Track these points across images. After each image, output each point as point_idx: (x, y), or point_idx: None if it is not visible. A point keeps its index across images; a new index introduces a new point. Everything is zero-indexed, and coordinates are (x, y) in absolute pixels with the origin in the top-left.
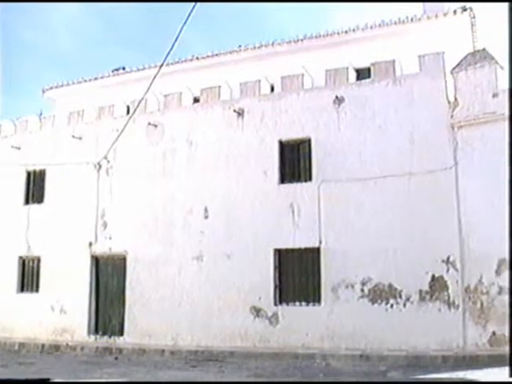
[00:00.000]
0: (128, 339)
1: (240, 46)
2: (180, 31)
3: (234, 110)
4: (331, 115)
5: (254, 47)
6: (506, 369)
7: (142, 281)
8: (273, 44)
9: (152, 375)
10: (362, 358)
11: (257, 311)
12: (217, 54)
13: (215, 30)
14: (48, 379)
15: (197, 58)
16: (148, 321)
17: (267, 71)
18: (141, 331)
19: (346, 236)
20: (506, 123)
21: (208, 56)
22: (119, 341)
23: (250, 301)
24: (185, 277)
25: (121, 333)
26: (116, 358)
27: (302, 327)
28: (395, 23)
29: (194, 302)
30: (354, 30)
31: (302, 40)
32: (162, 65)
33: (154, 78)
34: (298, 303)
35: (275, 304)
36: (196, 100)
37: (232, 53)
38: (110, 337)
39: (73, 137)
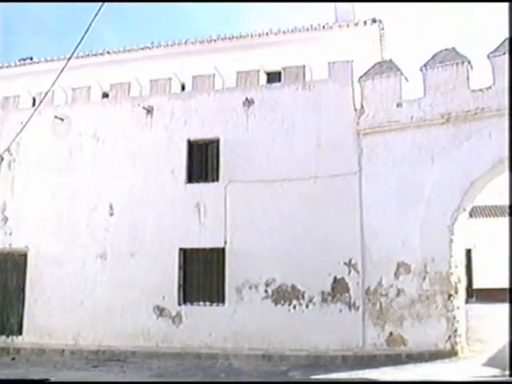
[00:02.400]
0: (27, 339)
1: (152, 42)
2: (90, 24)
3: (144, 108)
4: (241, 117)
5: (167, 45)
6: (402, 367)
7: (44, 278)
8: (185, 43)
9: (51, 376)
10: (264, 357)
11: (160, 311)
12: (128, 50)
13: (130, 26)
14: (47, 379)
15: (108, 53)
16: (48, 320)
17: (179, 70)
18: (40, 330)
19: (251, 237)
20: (409, 132)
21: (119, 51)
22: (17, 340)
23: (153, 300)
24: (88, 275)
25: (19, 332)
26: (13, 359)
27: (206, 327)
28: (307, 29)
29: (96, 301)
30: (267, 34)
31: (214, 40)
32: (70, 57)
33: (62, 70)
34: (202, 303)
35: (179, 304)
36: (105, 95)
37: (144, 49)
38: (7, 336)
39: None
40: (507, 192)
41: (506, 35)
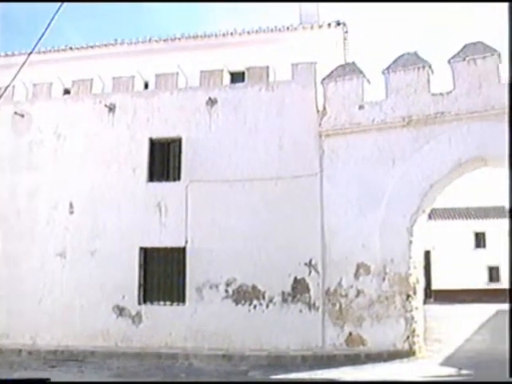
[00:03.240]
0: None
1: (116, 39)
2: (52, 20)
3: (106, 105)
4: (203, 116)
5: (130, 42)
6: (361, 367)
7: (1, 277)
8: (149, 40)
9: (6, 377)
10: (224, 357)
11: (120, 310)
12: (91, 46)
13: (94, 22)
14: (48, 379)
15: (70, 49)
16: (5, 319)
17: (142, 68)
18: None
19: (212, 237)
20: (371, 134)
21: (82, 47)
22: None
23: (113, 299)
24: (46, 273)
25: None
26: None
27: (166, 327)
28: (272, 30)
29: (55, 300)
30: (231, 34)
31: (178, 39)
32: (31, 52)
33: (23, 65)
34: (162, 303)
35: (139, 303)
36: (67, 91)
37: (107, 46)
38: None
39: None
40: (466, 195)
41: (468, 40)
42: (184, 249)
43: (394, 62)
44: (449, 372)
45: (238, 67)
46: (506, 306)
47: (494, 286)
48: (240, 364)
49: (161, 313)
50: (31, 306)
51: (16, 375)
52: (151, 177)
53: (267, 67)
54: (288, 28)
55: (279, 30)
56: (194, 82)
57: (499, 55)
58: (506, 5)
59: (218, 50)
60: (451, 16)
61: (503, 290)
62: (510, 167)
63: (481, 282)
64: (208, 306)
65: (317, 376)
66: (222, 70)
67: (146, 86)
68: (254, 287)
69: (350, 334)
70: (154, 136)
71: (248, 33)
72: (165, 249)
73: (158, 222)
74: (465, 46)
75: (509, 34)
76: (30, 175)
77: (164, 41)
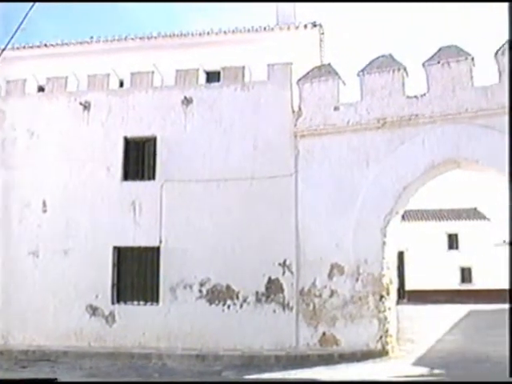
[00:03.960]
0: None
1: (91, 37)
2: (26, 16)
3: (80, 103)
4: (179, 115)
5: (106, 40)
6: (334, 367)
7: None
8: (125, 38)
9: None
10: (198, 357)
11: (93, 310)
12: (66, 44)
13: (69, 19)
14: (55, 379)
15: (45, 46)
16: None
17: (117, 66)
18: None
19: (186, 236)
20: (345, 136)
21: (57, 44)
22: None
23: (86, 299)
24: (19, 272)
25: None
26: None
27: (139, 327)
28: (248, 30)
29: (27, 299)
30: (207, 33)
31: (154, 37)
32: (4, 48)
33: None
34: (135, 302)
35: (112, 303)
36: (41, 89)
37: (82, 43)
38: None
39: None
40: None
41: (443, 42)
42: (158, 248)
43: (370, 64)
44: (421, 372)
45: (213, 67)
46: (477, 307)
47: (466, 286)
48: (214, 364)
49: (134, 313)
50: (2, 305)
51: None
52: (126, 176)
53: (243, 67)
54: (264, 28)
55: (256, 30)
56: (169, 80)
57: (472, 59)
58: (505, 5)
59: (193, 50)
60: (426, 18)
61: (475, 291)
62: (510, 167)
63: (453, 282)
64: (182, 305)
65: (290, 376)
66: (197, 70)
67: (122, 84)
68: (228, 287)
69: (324, 334)
70: (129, 135)
71: (224, 32)
72: (139, 248)
73: (133, 221)
74: (439, 50)
75: (509, 33)
76: (3, 173)
77: (140, 39)
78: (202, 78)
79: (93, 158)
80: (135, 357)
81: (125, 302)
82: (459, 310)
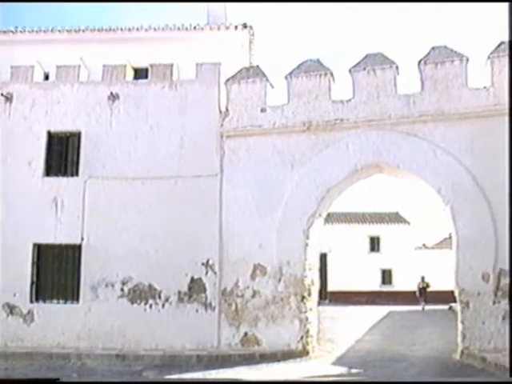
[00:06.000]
0: None
1: (16, 27)
2: None
3: (2, 94)
4: (104, 111)
5: (32, 31)
6: (256, 367)
7: None
8: (52, 30)
9: None
10: (118, 357)
11: (11, 308)
12: None
13: None
14: (57, 379)
15: None
16: None
17: (43, 58)
18: None
19: (109, 234)
20: (271, 137)
21: None
22: None
23: (3, 297)
24: None
25: None
26: None
27: (59, 326)
28: (178, 29)
29: None
30: (137, 29)
31: (83, 31)
32: None
33: None
34: (55, 301)
35: (31, 301)
36: None
37: (7, 33)
38: None
39: None
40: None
41: (369, 50)
42: (80, 246)
43: (297, 67)
44: (340, 371)
45: (142, 63)
46: (397, 308)
47: (386, 288)
48: (134, 364)
49: (54, 311)
50: None
51: None
52: (48, 171)
53: (171, 65)
54: (195, 27)
55: (186, 28)
56: (96, 76)
57: (397, 67)
58: (505, 5)
59: (122, 45)
60: (356, 23)
61: (395, 293)
62: (510, 167)
63: (374, 284)
64: (103, 304)
65: (211, 376)
66: (125, 66)
67: (47, 77)
68: (150, 286)
69: (246, 334)
70: (53, 129)
71: (154, 29)
72: (60, 245)
73: (54, 218)
74: (366, 57)
75: (509, 33)
76: None
77: (67, 31)
78: (130, 74)
79: (14, 151)
80: (54, 357)
81: (44, 301)
82: (379, 311)
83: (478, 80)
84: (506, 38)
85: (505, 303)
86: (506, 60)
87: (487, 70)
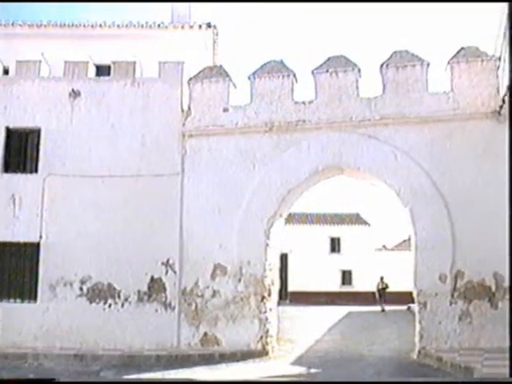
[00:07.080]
0: None
1: None
2: None
3: None
4: (65, 108)
5: None
6: (215, 367)
7: None
8: (12, 24)
9: None
10: (76, 357)
11: None
12: None
13: None
14: (53, 379)
15: None
16: None
17: (2, 52)
18: None
19: (68, 232)
20: (233, 137)
21: None
22: None
23: None
24: None
25: None
26: None
27: (15, 325)
28: (142, 26)
29: None
30: (100, 26)
31: (44, 26)
32: None
33: None
34: (12, 300)
35: None
36: None
37: None
38: None
39: None
40: (323, 201)
41: (332, 52)
42: (38, 244)
43: (260, 68)
44: (299, 371)
45: (104, 60)
46: (356, 308)
47: (346, 288)
48: (92, 364)
49: (10, 311)
50: None
51: None
52: (6, 167)
53: (134, 62)
54: (159, 25)
55: (150, 26)
56: (57, 72)
57: (359, 70)
58: (505, 5)
59: (84, 41)
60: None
61: (355, 293)
62: (510, 167)
63: (334, 284)
64: (61, 304)
65: (170, 376)
66: (87, 62)
67: (6, 72)
68: (109, 285)
69: (205, 333)
70: (12, 125)
71: (118, 26)
72: (18, 243)
73: (12, 215)
74: (328, 59)
75: (509, 33)
76: None
77: (28, 26)
78: (92, 71)
79: None
80: (9, 357)
81: (0, 300)
82: (339, 311)
83: (439, 85)
84: (466, 44)
85: (461, 304)
86: (465, 66)
87: (447, 75)
